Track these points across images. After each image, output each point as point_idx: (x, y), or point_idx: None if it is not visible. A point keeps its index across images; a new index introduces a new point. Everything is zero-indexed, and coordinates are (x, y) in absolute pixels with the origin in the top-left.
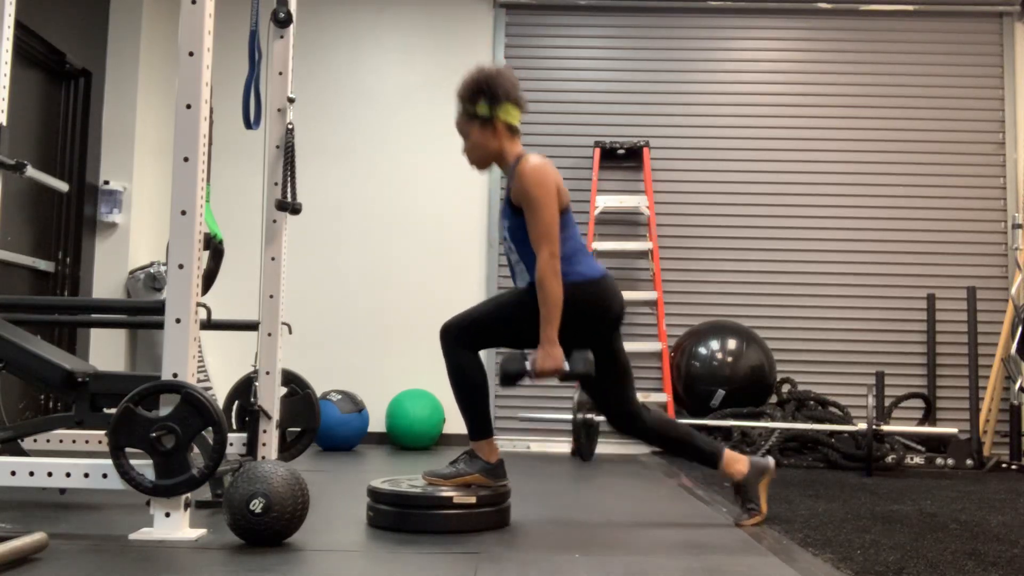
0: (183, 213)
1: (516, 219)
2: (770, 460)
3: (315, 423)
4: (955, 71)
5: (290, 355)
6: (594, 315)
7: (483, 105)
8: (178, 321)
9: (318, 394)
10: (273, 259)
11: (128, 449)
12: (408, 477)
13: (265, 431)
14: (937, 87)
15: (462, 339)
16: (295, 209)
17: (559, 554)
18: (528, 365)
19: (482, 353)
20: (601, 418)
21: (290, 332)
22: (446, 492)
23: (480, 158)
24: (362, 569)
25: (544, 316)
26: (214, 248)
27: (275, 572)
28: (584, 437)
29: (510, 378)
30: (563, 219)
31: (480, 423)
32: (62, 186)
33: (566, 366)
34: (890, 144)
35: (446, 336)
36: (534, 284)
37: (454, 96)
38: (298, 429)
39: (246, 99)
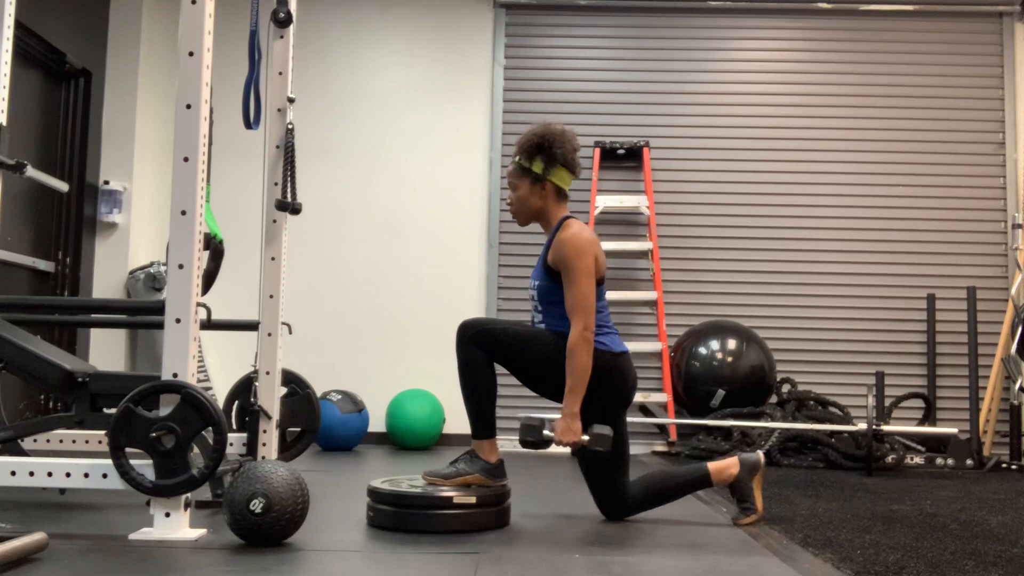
0: (183, 213)
1: (548, 281)
2: (759, 455)
3: (315, 423)
4: (955, 71)
5: (290, 355)
6: (612, 389)
7: (539, 163)
8: (178, 321)
9: (318, 394)
10: (273, 259)
11: (128, 449)
12: (408, 477)
13: (265, 431)
14: (937, 87)
15: (478, 340)
16: (295, 209)
17: (559, 554)
18: (548, 434)
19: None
20: None
21: (290, 332)
22: (446, 492)
23: (523, 213)
24: (362, 569)
25: (570, 387)
26: (214, 248)
27: (275, 572)
28: None
29: (529, 446)
30: (597, 290)
31: (484, 422)
32: (62, 186)
33: (584, 438)
34: (890, 144)
35: (464, 332)
36: (564, 336)
37: (457, 98)
38: (298, 429)
39: (246, 99)
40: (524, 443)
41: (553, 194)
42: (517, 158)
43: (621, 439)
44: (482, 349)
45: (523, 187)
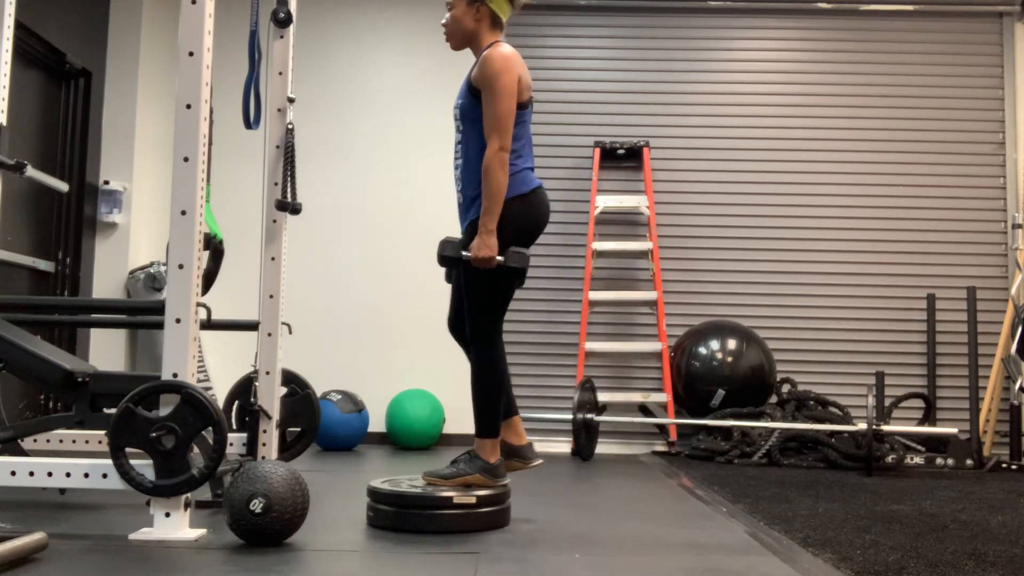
0: (183, 213)
1: (470, 98)
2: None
3: (315, 423)
4: (955, 71)
5: (290, 355)
6: (529, 226)
7: None
8: (178, 321)
9: (318, 394)
10: (273, 259)
11: (128, 449)
12: (408, 477)
13: (265, 431)
14: (937, 87)
15: (477, 330)
16: (295, 209)
17: (559, 554)
18: (465, 254)
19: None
20: (601, 418)
21: (290, 332)
22: (446, 492)
23: (456, 34)
24: (362, 569)
25: (485, 207)
26: (214, 248)
27: (275, 572)
28: (584, 437)
29: (445, 261)
30: (519, 115)
31: (491, 421)
32: (62, 186)
33: (499, 258)
34: (890, 144)
35: (461, 335)
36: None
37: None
38: (298, 429)
39: (246, 99)
40: (441, 259)
41: (488, 18)
42: None
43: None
44: (493, 331)
45: (459, 6)
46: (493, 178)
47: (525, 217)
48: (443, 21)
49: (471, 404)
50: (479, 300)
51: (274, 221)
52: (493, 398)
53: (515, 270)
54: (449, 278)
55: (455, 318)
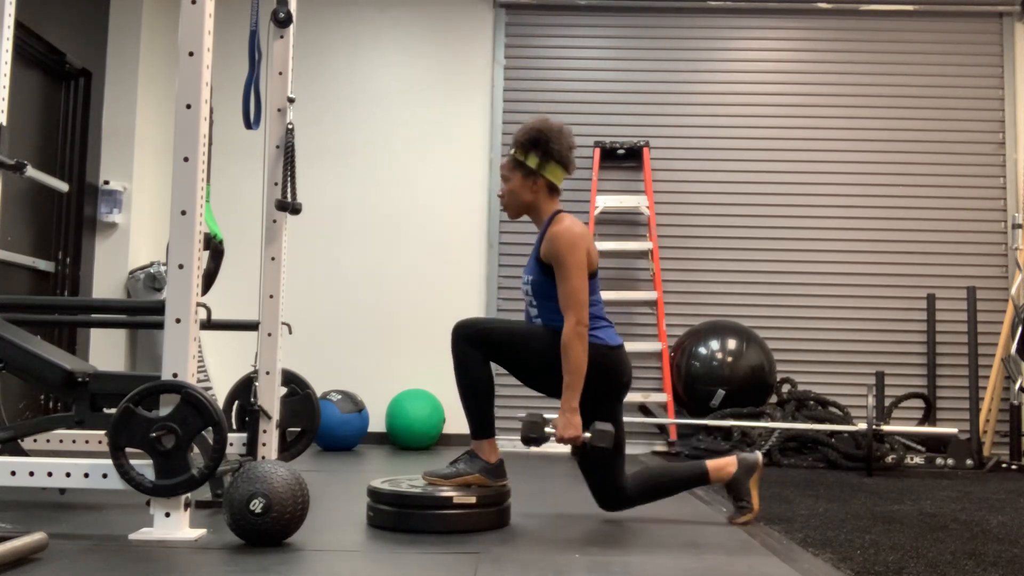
0: (183, 213)
1: (541, 275)
2: (758, 455)
3: (315, 423)
4: (955, 71)
5: (290, 355)
6: (609, 382)
7: (534, 158)
8: (178, 321)
9: (318, 394)
10: (273, 259)
11: (128, 449)
12: (408, 477)
13: (265, 431)
14: (937, 87)
15: (473, 340)
16: (295, 209)
17: (559, 554)
18: (549, 430)
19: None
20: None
21: (290, 332)
22: (446, 492)
23: (514, 205)
24: (362, 569)
25: (567, 383)
26: (214, 248)
27: (275, 572)
28: None
29: (530, 442)
30: (590, 284)
31: (482, 422)
32: (62, 186)
33: (585, 435)
34: (890, 144)
35: (459, 332)
36: (558, 331)
37: (457, 98)
38: (298, 429)
39: (246, 99)
40: (526, 440)
41: (545, 189)
42: (513, 151)
43: (618, 433)
44: (477, 348)
45: (515, 180)
46: (573, 354)
47: (612, 368)
48: (499, 192)
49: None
50: (601, 469)
51: (274, 221)
52: (483, 401)
53: (597, 449)
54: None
55: (599, 483)
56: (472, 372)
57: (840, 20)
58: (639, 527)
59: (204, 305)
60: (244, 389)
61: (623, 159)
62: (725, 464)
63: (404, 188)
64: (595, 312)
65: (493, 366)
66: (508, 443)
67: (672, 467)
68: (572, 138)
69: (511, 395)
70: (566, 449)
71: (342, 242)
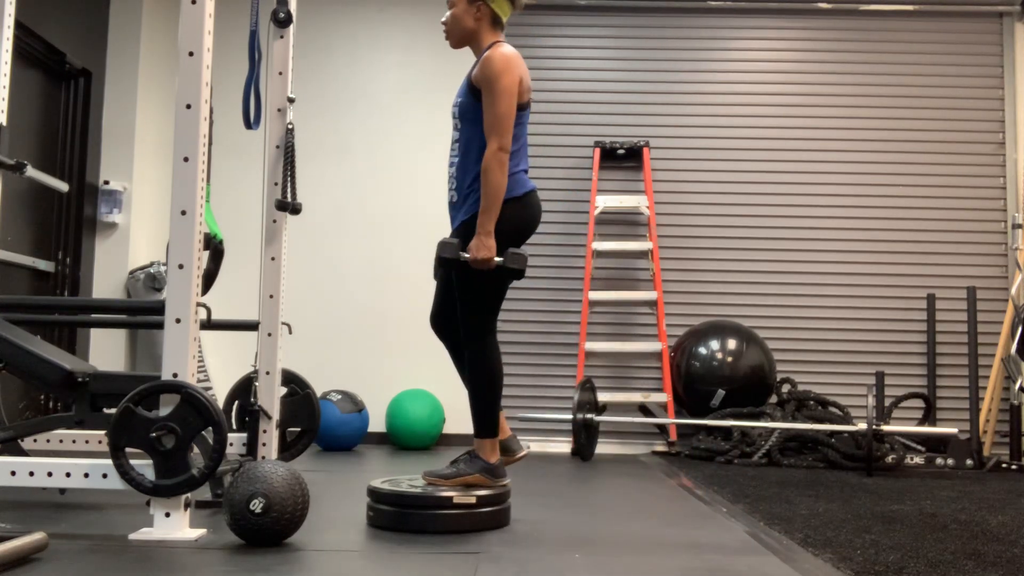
0: (183, 213)
1: (470, 97)
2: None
3: (315, 423)
4: (955, 71)
5: (290, 355)
6: (521, 228)
7: None
8: (178, 321)
9: (318, 394)
10: (273, 259)
11: (128, 449)
12: (408, 477)
13: (265, 431)
14: (937, 87)
15: (472, 331)
16: (295, 209)
17: (559, 554)
18: (464, 255)
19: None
20: (601, 418)
21: (290, 332)
22: (446, 492)
23: (456, 32)
24: (362, 569)
25: (484, 207)
26: (214, 248)
27: (275, 572)
28: (584, 437)
29: (444, 263)
30: (518, 116)
31: (490, 421)
32: (62, 186)
33: (498, 259)
34: (890, 144)
35: (444, 332)
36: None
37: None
38: (298, 429)
39: (246, 99)
40: (440, 260)
41: (488, 18)
42: None
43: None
44: (487, 331)
45: (459, 5)
46: (492, 178)
47: (518, 220)
48: (443, 19)
49: (469, 404)
50: (474, 300)
51: (274, 221)
52: (491, 398)
53: (512, 271)
54: (437, 275)
55: (439, 316)
56: (486, 369)
57: (840, 20)
58: (639, 527)
59: (204, 305)
60: (244, 389)
61: (623, 159)
62: (495, 447)
63: (404, 188)
64: (520, 144)
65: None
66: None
67: (489, 383)
68: None
69: (511, 395)
70: (567, 449)
71: (342, 242)
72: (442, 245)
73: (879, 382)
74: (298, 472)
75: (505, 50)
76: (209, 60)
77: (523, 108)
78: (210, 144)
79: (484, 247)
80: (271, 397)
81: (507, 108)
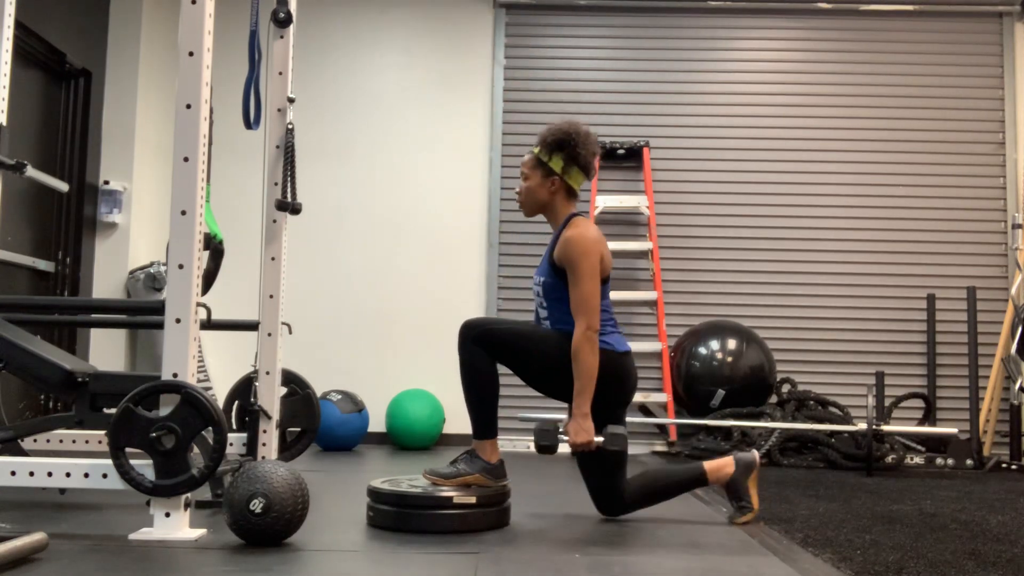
0: (183, 213)
1: (554, 278)
2: (755, 454)
3: (315, 423)
4: (955, 71)
5: (290, 355)
6: (616, 388)
7: (558, 160)
8: (178, 321)
9: (318, 394)
10: (273, 259)
11: (128, 449)
12: (408, 477)
13: (265, 431)
14: (937, 87)
15: (481, 340)
16: (295, 209)
17: (559, 554)
18: (561, 437)
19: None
20: None
21: (290, 332)
22: (446, 492)
23: (530, 204)
24: (362, 569)
25: (578, 389)
26: (214, 248)
27: (275, 572)
28: None
29: (544, 450)
30: (602, 289)
31: (486, 422)
32: (62, 186)
33: (598, 439)
34: (890, 144)
35: (467, 332)
36: (568, 335)
37: (457, 98)
38: (298, 429)
39: (246, 99)
40: (539, 448)
41: (563, 191)
42: (536, 149)
43: None
44: (485, 349)
45: (534, 178)
46: (583, 359)
47: (619, 374)
48: (517, 189)
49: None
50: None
51: (274, 221)
52: (488, 401)
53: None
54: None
55: (599, 488)
56: (479, 373)
57: (840, 20)
58: (639, 527)
59: (204, 305)
60: (244, 389)
61: (623, 159)
62: (723, 465)
63: (404, 188)
64: (605, 318)
65: (499, 366)
66: (508, 444)
67: (670, 470)
68: (597, 144)
69: (513, 395)
70: (566, 448)
71: (342, 242)
72: (540, 433)
73: (879, 382)
74: (298, 472)
75: (585, 231)
76: (209, 60)
77: (605, 282)
78: (210, 144)
79: (582, 431)
80: (271, 397)
81: (592, 289)
